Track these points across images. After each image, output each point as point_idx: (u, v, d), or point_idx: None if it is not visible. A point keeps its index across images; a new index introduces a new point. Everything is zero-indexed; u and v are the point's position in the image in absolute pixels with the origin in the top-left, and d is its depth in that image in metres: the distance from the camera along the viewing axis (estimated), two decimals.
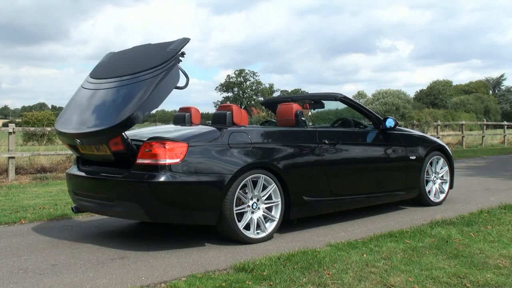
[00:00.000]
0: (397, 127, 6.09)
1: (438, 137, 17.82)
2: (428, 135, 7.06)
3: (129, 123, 4.27)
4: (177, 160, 4.31)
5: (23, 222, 5.82)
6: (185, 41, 4.71)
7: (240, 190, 4.56)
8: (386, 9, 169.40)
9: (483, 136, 22.44)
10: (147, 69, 4.51)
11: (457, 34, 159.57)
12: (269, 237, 4.76)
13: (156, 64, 4.50)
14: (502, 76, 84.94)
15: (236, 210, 4.54)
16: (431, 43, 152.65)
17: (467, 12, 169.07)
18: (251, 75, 79.17)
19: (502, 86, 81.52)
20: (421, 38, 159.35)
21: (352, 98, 6.11)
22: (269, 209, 4.82)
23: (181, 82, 4.73)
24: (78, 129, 4.59)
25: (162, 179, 4.25)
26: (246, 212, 4.66)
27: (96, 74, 5.07)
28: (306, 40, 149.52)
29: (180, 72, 4.63)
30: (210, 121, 5.97)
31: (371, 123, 6.15)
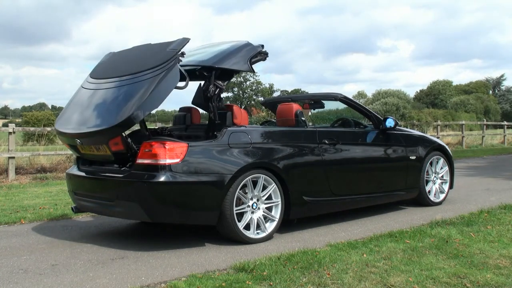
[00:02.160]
0: (397, 127, 6.08)
1: (438, 137, 17.82)
2: (428, 135, 7.06)
3: (129, 123, 4.27)
4: (177, 160, 4.30)
5: (23, 222, 5.82)
6: (185, 41, 4.70)
7: (240, 190, 4.55)
8: (388, 9, 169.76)
9: (483, 136, 22.43)
10: (147, 69, 4.50)
11: (458, 34, 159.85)
12: (269, 237, 4.75)
13: (156, 64, 4.48)
14: (502, 76, 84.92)
15: (236, 210, 4.54)
16: (432, 43, 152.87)
17: (468, 12, 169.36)
18: (251, 75, 79.13)
19: (502, 86, 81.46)
20: (422, 38, 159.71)
21: (352, 98, 6.11)
22: (269, 209, 4.82)
23: (181, 82, 4.74)
24: (78, 129, 4.60)
25: (162, 179, 4.25)
26: (246, 212, 4.65)
27: (96, 74, 5.07)
28: (307, 40, 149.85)
29: (180, 72, 4.63)
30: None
31: (371, 123, 6.15)
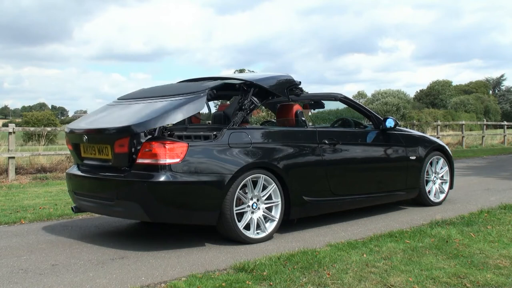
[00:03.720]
0: (397, 127, 6.08)
1: (438, 137, 17.81)
2: (428, 135, 7.05)
3: (140, 128, 4.35)
4: (177, 160, 4.31)
5: (23, 222, 5.82)
6: (222, 83, 5.04)
7: (240, 190, 4.56)
8: (389, 9, 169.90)
9: (483, 136, 22.41)
10: (175, 94, 4.82)
11: (459, 34, 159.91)
12: (269, 237, 4.75)
13: (186, 92, 4.80)
14: (502, 76, 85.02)
15: (236, 210, 4.54)
16: (432, 43, 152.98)
17: (469, 13, 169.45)
18: None
19: (502, 86, 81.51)
20: (423, 38, 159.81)
21: (352, 98, 6.11)
22: (269, 209, 4.82)
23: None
24: (88, 126, 4.90)
25: (162, 179, 4.25)
26: (246, 212, 4.65)
27: (124, 97, 5.45)
28: (308, 40, 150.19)
29: (206, 105, 4.95)
30: (210, 121, 5.96)
31: (371, 123, 6.14)
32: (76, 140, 4.96)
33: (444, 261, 3.93)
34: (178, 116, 4.51)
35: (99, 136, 4.70)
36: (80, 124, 5.12)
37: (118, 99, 5.49)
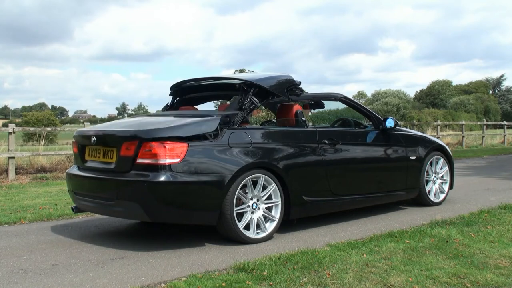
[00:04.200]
0: (397, 127, 6.08)
1: (438, 137, 17.81)
2: (428, 135, 7.05)
3: (149, 135, 4.37)
4: (177, 160, 4.31)
5: (23, 222, 5.82)
6: (239, 114, 4.95)
7: (240, 190, 4.56)
8: (389, 9, 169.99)
9: (483, 136, 22.42)
10: (191, 115, 4.95)
11: (459, 34, 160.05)
12: (269, 237, 4.76)
13: (198, 114, 4.97)
14: (502, 76, 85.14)
15: (236, 210, 4.55)
16: (432, 43, 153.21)
17: (470, 13, 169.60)
18: None
19: (502, 86, 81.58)
20: (423, 38, 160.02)
21: (352, 98, 6.11)
22: (269, 209, 4.82)
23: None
24: (98, 128, 5.09)
25: (162, 179, 4.25)
26: (246, 212, 4.66)
27: (138, 114, 5.63)
28: (308, 40, 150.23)
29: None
30: None
31: (371, 123, 6.14)
32: (84, 142, 4.99)
33: (444, 261, 3.94)
34: (189, 131, 4.48)
35: (108, 138, 4.76)
36: (91, 128, 5.31)
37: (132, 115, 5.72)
